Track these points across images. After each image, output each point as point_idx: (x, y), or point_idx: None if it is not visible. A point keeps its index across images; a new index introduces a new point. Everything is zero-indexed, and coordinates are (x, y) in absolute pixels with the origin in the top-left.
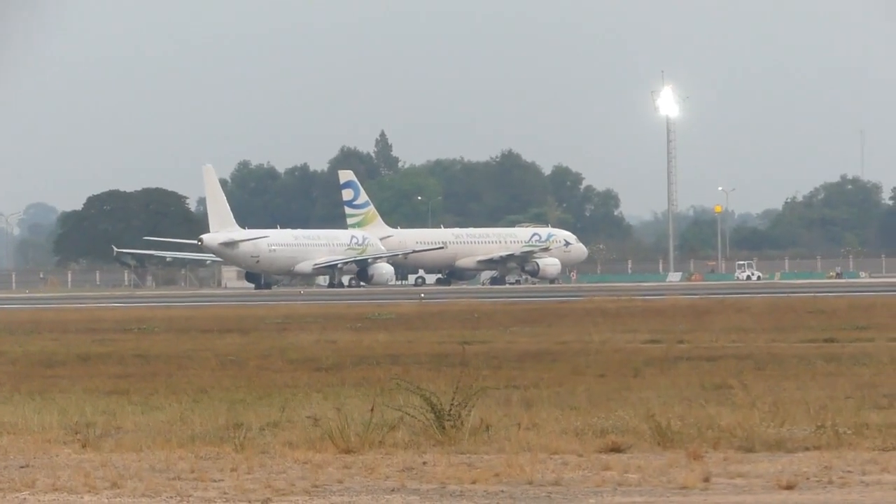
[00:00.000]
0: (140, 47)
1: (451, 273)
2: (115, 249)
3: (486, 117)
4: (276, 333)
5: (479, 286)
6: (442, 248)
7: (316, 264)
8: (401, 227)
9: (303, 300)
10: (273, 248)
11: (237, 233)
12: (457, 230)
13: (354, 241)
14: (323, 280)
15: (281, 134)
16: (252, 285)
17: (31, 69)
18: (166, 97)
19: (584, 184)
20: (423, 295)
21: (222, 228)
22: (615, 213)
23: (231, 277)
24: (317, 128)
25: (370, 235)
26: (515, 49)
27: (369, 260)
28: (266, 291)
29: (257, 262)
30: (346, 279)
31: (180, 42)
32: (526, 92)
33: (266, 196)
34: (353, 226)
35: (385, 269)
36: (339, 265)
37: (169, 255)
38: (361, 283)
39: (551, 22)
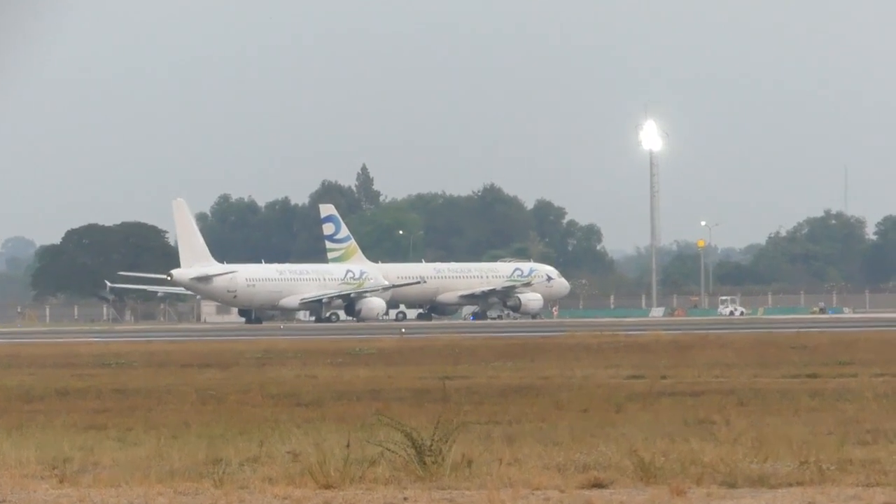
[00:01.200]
0: (119, 80)
1: (433, 308)
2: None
3: (469, 151)
4: (256, 368)
5: (461, 321)
6: (418, 283)
7: (303, 299)
8: (382, 262)
9: (283, 335)
10: (252, 282)
11: (211, 267)
12: (438, 265)
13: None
14: (303, 315)
15: (261, 167)
16: (243, 319)
17: (5, 104)
18: (146, 130)
19: (567, 218)
20: (404, 330)
21: (196, 263)
22: (598, 247)
23: (210, 312)
24: (298, 161)
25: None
26: (498, 82)
27: (352, 294)
28: (247, 326)
29: (234, 296)
30: (326, 314)
31: (159, 75)
32: (509, 126)
33: (246, 230)
34: (333, 260)
35: (375, 304)
36: (323, 300)
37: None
38: (350, 318)
39: (535, 57)
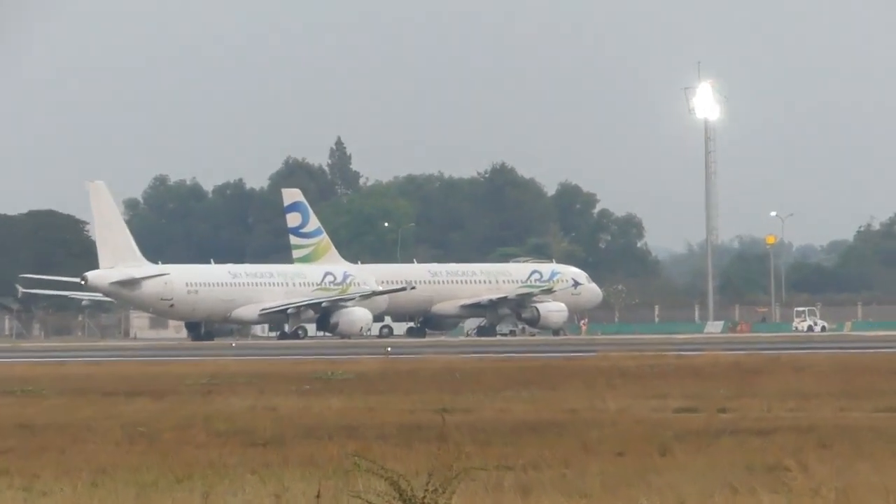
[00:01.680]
0: (28, 43)
1: (427, 321)
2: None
3: (473, 122)
4: (200, 397)
5: (463, 338)
6: (404, 289)
7: (264, 309)
8: (362, 262)
9: (234, 355)
10: (193, 287)
11: (139, 268)
12: (434, 266)
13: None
14: (260, 330)
15: (208, 141)
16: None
17: None
18: (60, 97)
19: (599, 207)
20: (389, 349)
21: (119, 262)
22: (638, 244)
23: (142, 326)
24: (254, 134)
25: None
26: (509, 36)
27: (324, 304)
28: (189, 344)
29: (171, 306)
30: (292, 328)
31: (79, 32)
32: (522, 90)
33: (189, 221)
34: (300, 260)
35: (357, 316)
36: (289, 310)
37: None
38: (324, 334)
39: (553, 7)
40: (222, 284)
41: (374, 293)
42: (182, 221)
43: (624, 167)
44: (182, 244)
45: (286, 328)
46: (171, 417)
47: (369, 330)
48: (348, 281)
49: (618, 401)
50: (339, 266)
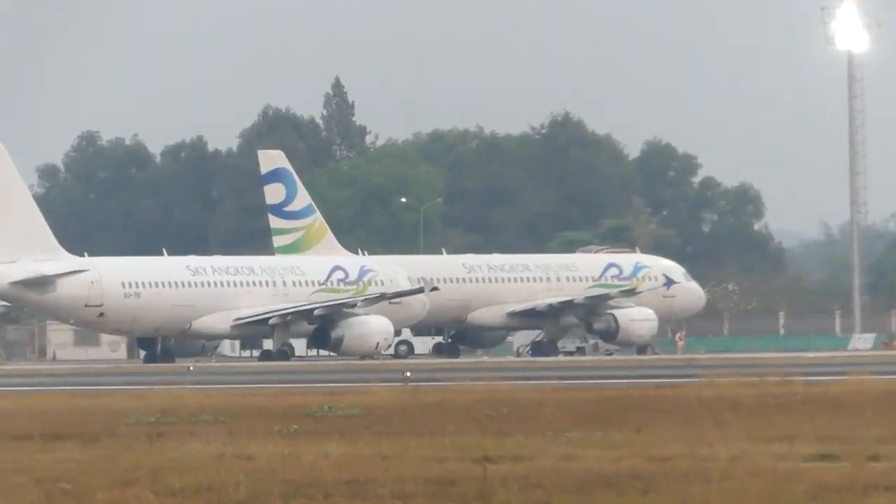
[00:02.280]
0: None
1: (461, 334)
2: None
3: (522, 59)
4: (147, 442)
5: (512, 357)
6: (421, 290)
7: (238, 318)
8: (368, 253)
9: (193, 382)
10: (134, 289)
11: (54, 262)
12: (470, 258)
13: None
14: (231, 348)
15: (155, 86)
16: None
17: None
18: None
19: (700, 175)
20: (409, 374)
21: (24, 255)
22: (756, 226)
23: (64, 342)
24: (219, 75)
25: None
26: None
27: (317, 311)
28: (130, 367)
29: (101, 315)
30: (277, 345)
31: None
32: (592, 21)
33: (129, 195)
34: (283, 249)
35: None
36: (272, 320)
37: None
38: (320, 353)
39: None
40: (177, 284)
41: (383, 296)
42: (118, 196)
43: (735, 120)
44: (119, 228)
45: (269, 344)
46: (107, 470)
47: (388, 347)
48: (367, 278)
49: (729, 445)
50: (350, 257)
